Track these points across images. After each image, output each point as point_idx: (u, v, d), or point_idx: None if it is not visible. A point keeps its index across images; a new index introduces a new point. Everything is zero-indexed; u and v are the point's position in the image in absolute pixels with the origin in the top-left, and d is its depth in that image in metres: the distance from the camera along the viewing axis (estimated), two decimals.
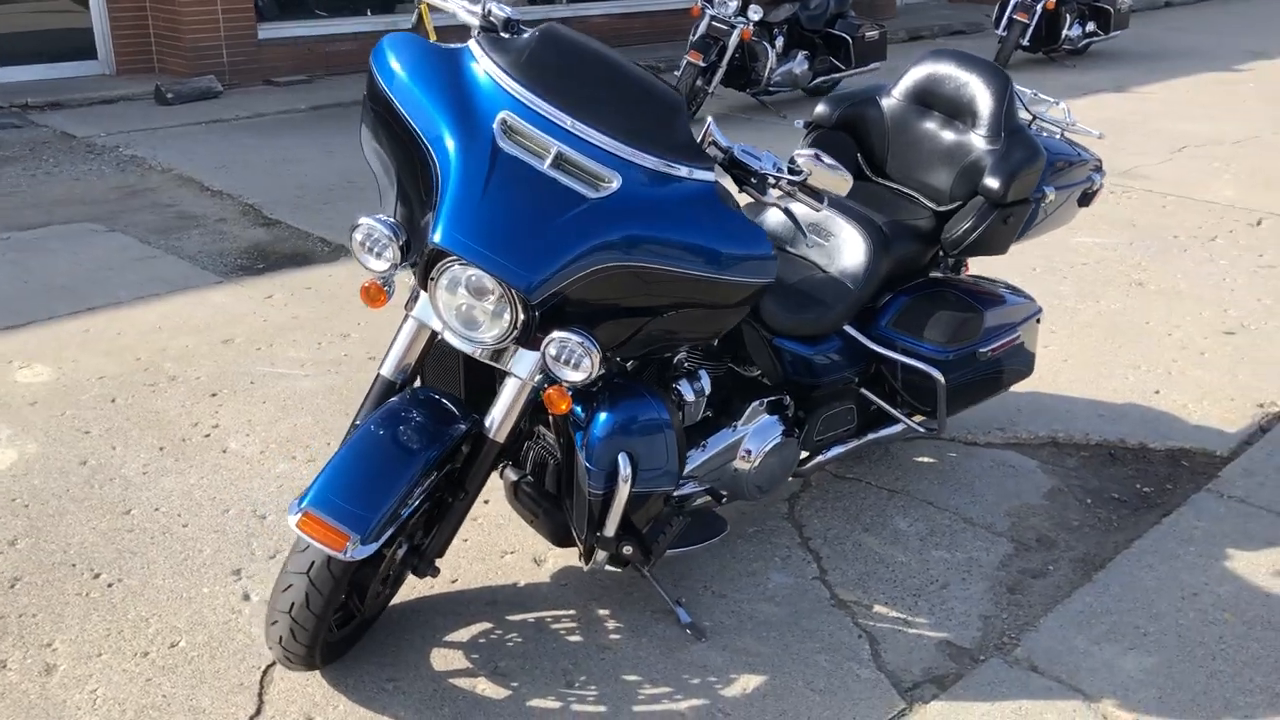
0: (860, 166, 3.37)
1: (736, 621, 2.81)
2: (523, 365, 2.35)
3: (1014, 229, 3.12)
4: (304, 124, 7.96)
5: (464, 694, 2.53)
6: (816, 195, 2.44)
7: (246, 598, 2.83)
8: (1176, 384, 4.17)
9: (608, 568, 2.69)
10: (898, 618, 2.86)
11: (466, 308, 2.28)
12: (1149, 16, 14.36)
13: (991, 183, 3.02)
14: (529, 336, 2.27)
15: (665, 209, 2.28)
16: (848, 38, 8.66)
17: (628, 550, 2.54)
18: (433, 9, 3.59)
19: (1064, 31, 10.49)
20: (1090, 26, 10.92)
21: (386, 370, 2.48)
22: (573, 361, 2.25)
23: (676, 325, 2.42)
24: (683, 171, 2.30)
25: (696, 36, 8.08)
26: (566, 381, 2.28)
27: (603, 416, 2.42)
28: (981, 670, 2.68)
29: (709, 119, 2.45)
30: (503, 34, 2.52)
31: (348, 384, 3.98)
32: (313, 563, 2.28)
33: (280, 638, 2.36)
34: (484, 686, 2.56)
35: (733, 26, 7.99)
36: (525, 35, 2.46)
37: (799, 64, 8.62)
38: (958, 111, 3.20)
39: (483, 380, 2.64)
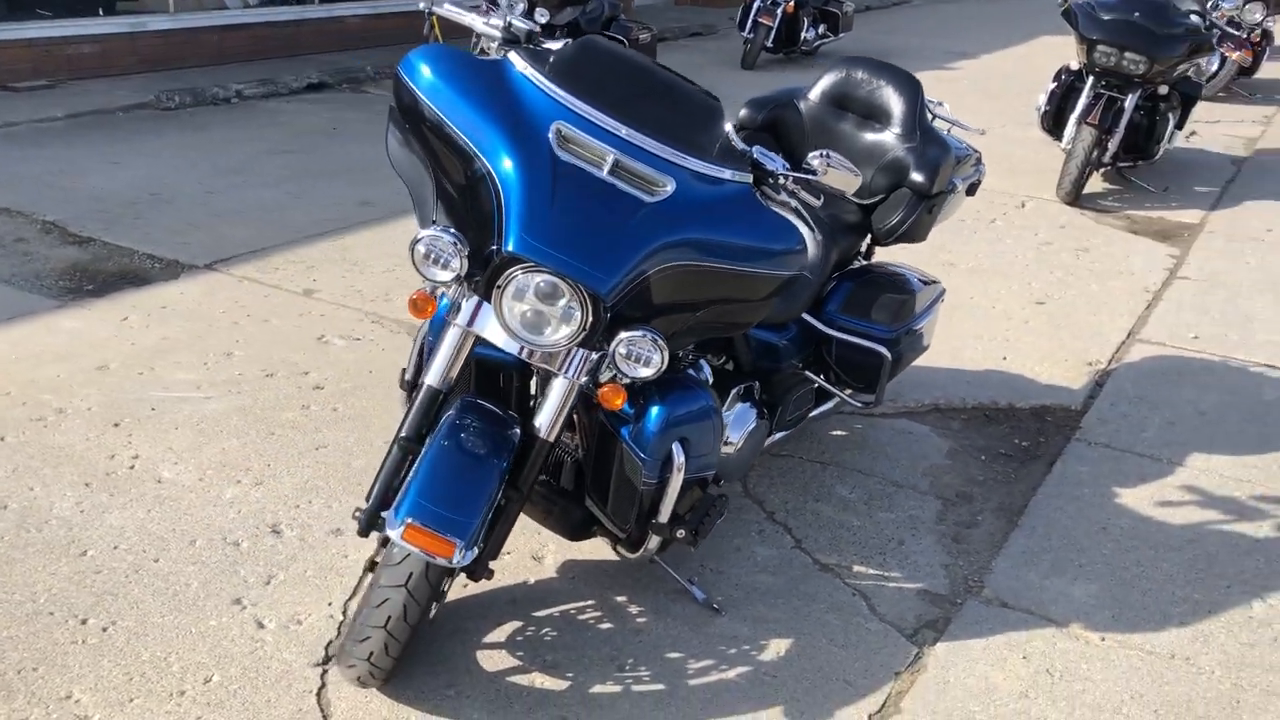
0: None
1: (743, 594, 3.00)
2: (573, 366, 2.44)
3: (934, 218, 3.48)
4: (68, 133, 7.38)
5: (526, 690, 2.59)
6: (814, 192, 2.67)
7: (261, 625, 2.74)
8: (1017, 350, 4.71)
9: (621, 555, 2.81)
10: (876, 574, 3.15)
11: (533, 313, 2.34)
12: (856, 19, 15.53)
13: (918, 177, 3.35)
14: (595, 338, 2.36)
15: (714, 210, 2.43)
16: (622, 40, 8.94)
17: (680, 534, 2.67)
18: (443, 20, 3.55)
19: (802, 34, 11.26)
20: (822, 29, 11.77)
21: (434, 381, 2.48)
22: (643, 359, 2.36)
23: (716, 319, 2.58)
24: (726, 174, 2.46)
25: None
26: (637, 378, 2.39)
27: (656, 409, 2.54)
28: (964, 612, 3.00)
29: (728, 125, 2.62)
30: (527, 45, 2.58)
31: (256, 403, 3.84)
32: (410, 574, 2.28)
33: (371, 654, 2.34)
34: (542, 680, 2.63)
35: None
36: (561, 46, 2.54)
37: None
38: (872, 113, 3.51)
39: (493, 382, 2.70)
